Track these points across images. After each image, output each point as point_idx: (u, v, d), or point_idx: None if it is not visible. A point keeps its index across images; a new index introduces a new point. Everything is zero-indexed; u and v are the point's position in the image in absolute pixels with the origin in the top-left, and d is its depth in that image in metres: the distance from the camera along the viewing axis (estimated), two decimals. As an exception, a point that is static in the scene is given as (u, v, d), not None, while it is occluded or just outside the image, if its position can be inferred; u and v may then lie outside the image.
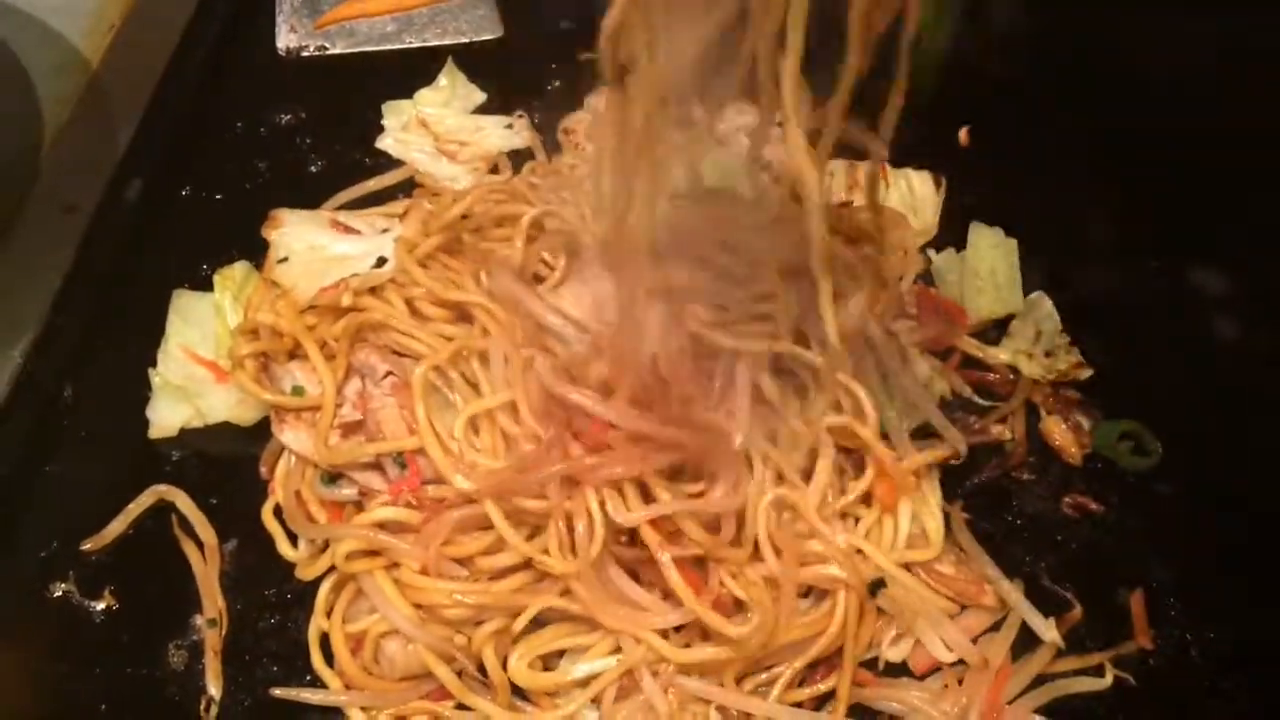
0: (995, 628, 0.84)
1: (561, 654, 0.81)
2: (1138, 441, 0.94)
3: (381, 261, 0.94)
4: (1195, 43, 1.18)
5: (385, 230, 0.97)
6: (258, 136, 1.12)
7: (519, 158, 1.10)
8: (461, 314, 0.92)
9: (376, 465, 0.87)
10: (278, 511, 0.87)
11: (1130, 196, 1.08)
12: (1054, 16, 1.21)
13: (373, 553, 0.81)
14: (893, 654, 0.82)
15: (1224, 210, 1.07)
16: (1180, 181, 1.08)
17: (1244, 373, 0.98)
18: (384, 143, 1.11)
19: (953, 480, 0.92)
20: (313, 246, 0.96)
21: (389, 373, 0.88)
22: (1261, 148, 1.11)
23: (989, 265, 1.02)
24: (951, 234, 1.06)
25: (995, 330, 1.01)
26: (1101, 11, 1.21)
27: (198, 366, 0.94)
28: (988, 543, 0.88)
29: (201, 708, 0.79)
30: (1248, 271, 1.05)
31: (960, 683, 0.81)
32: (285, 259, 0.96)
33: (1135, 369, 0.99)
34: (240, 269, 0.98)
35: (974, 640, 0.84)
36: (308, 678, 0.81)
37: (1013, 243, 1.04)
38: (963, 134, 1.15)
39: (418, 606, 0.79)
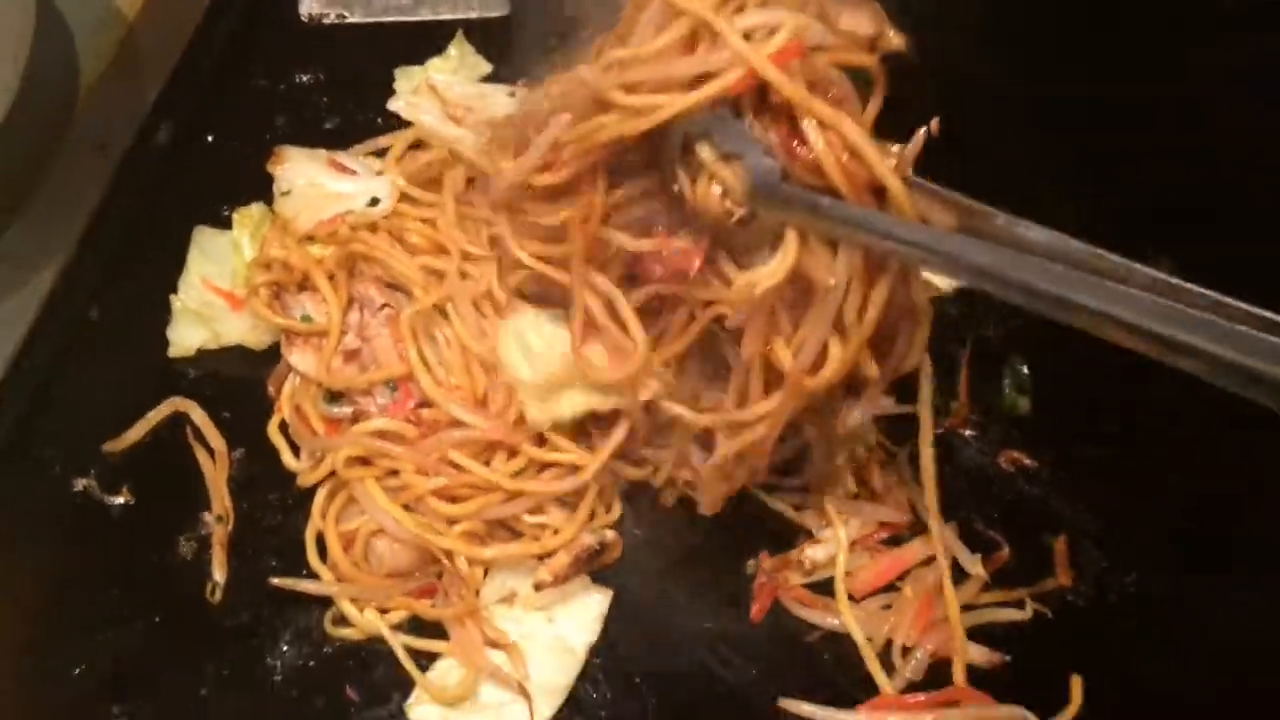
0: (927, 563, 0.93)
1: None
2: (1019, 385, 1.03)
3: (374, 201, 1.03)
4: (1157, 56, 1.28)
5: (379, 173, 1.07)
6: (278, 93, 1.20)
7: (520, 124, 1.18)
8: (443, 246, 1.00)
9: (370, 390, 0.96)
10: (283, 427, 0.96)
11: (1089, 194, 1.17)
12: (1023, 20, 1.31)
13: (365, 462, 0.90)
14: (817, 554, 0.91)
15: (1175, 206, 1.16)
16: (1136, 179, 1.18)
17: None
18: (395, 105, 1.18)
19: (900, 434, 1.00)
20: (313, 183, 1.05)
21: (385, 304, 0.97)
22: (1216, 153, 1.20)
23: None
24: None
25: (951, 304, 1.09)
26: (1069, 19, 1.31)
27: (215, 295, 1.02)
28: (928, 490, 0.97)
29: (207, 591, 0.88)
30: (1195, 264, 1.13)
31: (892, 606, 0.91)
32: (288, 192, 1.05)
33: (1076, 343, 1.07)
34: (257, 209, 1.07)
35: (904, 575, 0.93)
36: (304, 571, 0.90)
37: (973, 230, 1.13)
38: (934, 124, 1.22)
39: (407, 508, 0.88)
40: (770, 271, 0.77)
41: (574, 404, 0.89)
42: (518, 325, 0.91)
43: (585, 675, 0.88)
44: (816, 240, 0.76)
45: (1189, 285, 0.66)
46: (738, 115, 0.75)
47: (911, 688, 0.87)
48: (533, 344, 0.90)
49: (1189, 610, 0.93)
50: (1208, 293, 0.65)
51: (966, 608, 0.91)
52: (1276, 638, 0.91)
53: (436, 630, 0.88)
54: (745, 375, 0.82)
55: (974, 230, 0.73)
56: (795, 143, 0.74)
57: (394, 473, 0.90)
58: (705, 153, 0.76)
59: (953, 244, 0.71)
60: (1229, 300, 0.64)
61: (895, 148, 0.75)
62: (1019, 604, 0.92)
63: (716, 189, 0.77)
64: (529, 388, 0.90)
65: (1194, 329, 0.63)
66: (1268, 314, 0.63)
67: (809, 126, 0.73)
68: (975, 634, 0.89)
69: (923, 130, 0.77)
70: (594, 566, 0.91)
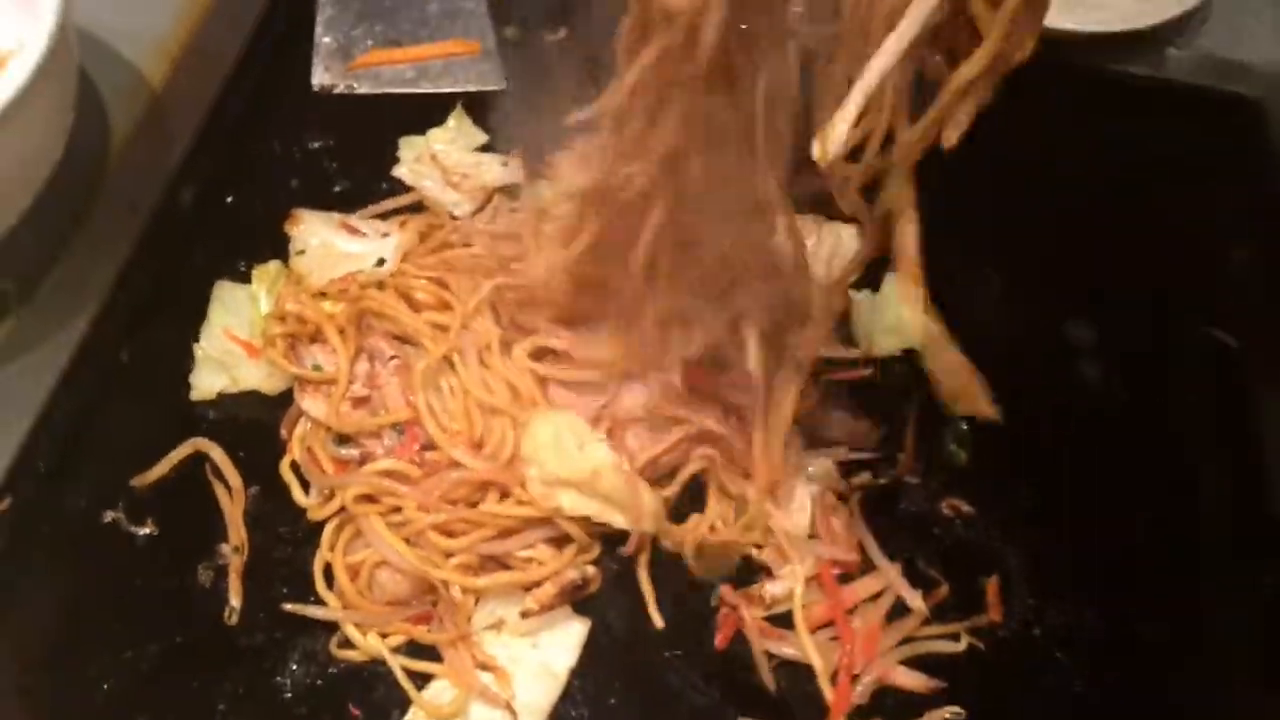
0: (874, 598, 1.04)
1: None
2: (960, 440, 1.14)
3: (381, 261, 1.15)
4: (1086, 140, 1.42)
5: (385, 235, 1.18)
6: (292, 158, 1.31)
7: (510, 191, 1.29)
8: (445, 303, 1.12)
9: (377, 434, 1.06)
10: (294, 466, 1.05)
11: (1024, 260, 1.29)
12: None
13: (372, 499, 1.00)
14: (776, 589, 1.01)
15: (1100, 276, 1.29)
16: (1067, 250, 1.31)
17: (1099, 407, 1.19)
18: (399, 171, 1.30)
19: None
20: (325, 243, 1.16)
21: (394, 356, 1.07)
22: (1135, 228, 1.34)
23: (896, 307, 1.22)
24: (868, 280, 1.25)
25: (900, 364, 1.21)
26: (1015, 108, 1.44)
27: (234, 344, 1.12)
28: (875, 534, 1.06)
29: (225, 615, 0.97)
30: (1112, 326, 1.26)
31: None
32: (302, 251, 1.16)
33: (1011, 404, 1.19)
34: (274, 266, 1.17)
35: (853, 609, 1.03)
36: (312, 599, 0.99)
37: (920, 290, 1.24)
38: (888, 198, 1.34)
39: (408, 541, 0.98)
40: None
41: (575, 504, 0.99)
42: (558, 421, 1.01)
43: (566, 696, 0.96)
44: None
45: None
46: None
47: (857, 711, 0.97)
48: (566, 442, 0.99)
49: (1109, 645, 1.03)
50: None
51: (907, 639, 1.01)
52: (1191, 677, 1.02)
53: (432, 653, 0.97)
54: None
55: None
56: None
57: (397, 509, 1.00)
58: None
59: None
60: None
61: None
62: (955, 637, 1.01)
63: None
64: (541, 472, 1.00)
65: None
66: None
67: None
68: (914, 662, 0.99)
69: None
70: (576, 598, 1.01)
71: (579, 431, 1.01)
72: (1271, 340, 1.24)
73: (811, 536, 1.06)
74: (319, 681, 0.95)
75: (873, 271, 1.23)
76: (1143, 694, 1.01)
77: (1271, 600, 1.07)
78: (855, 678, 0.98)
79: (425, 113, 1.36)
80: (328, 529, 1.01)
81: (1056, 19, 1.42)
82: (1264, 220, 1.38)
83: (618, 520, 1.00)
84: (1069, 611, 1.04)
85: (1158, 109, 1.49)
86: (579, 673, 0.98)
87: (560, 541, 1.02)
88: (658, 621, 1.01)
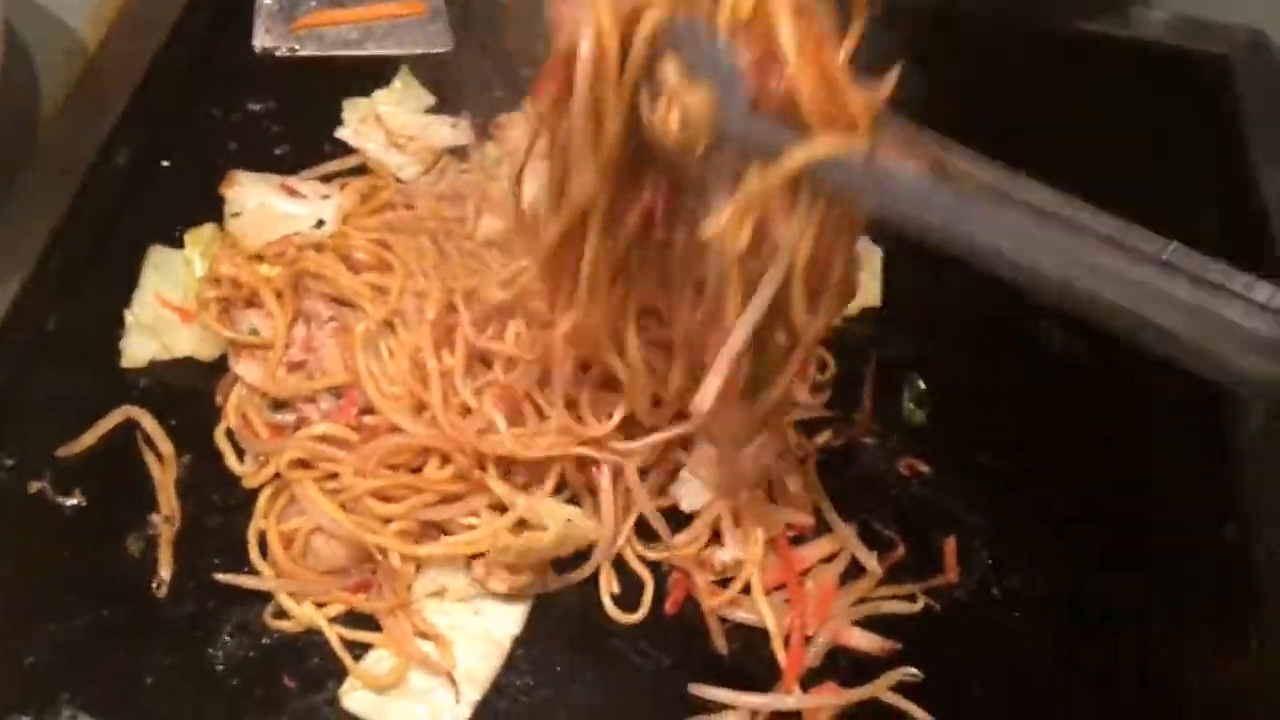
0: (829, 560, 1.01)
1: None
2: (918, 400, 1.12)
3: (320, 223, 1.11)
4: (1054, 98, 1.40)
5: (325, 197, 1.15)
6: (231, 122, 1.27)
7: (459, 152, 1.26)
8: (386, 264, 1.09)
9: (314, 399, 1.03)
10: (229, 433, 1.02)
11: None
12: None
13: (307, 465, 0.97)
14: (725, 556, 0.99)
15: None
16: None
17: (1059, 366, 1.17)
18: (342, 133, 1.26)
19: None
20: (263, 205, 1.13)
21: (331, 318, 1.04)
22: (1100, 187, 1.31)
23: (854, 265, 1.19)
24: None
25: (857, 324, 1.18)
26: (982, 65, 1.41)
27: (167, 310, 1.08)
28: (832, 494, 1.04)
29: (154, 586, 0.94)
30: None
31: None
32: (238, 214, 1.12)
33: (970, 363, 1.17)
34: (208, 230, 1.13)
35: (806, 571, 1.01)
36: (245, 569, 0.95)
37: (878, 250, 1.22)
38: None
39: (344, 508, 0.95)
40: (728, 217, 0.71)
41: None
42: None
43: (509, 665, 0.93)
44: None
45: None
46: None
47: (810, 673, 0.95)
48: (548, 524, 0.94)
49: (1067, 606, 1.01)
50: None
51: (862, 600, 0.98)
52: (1149, 637, 1.00)
53: (371, 623, 0.94)
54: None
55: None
56: (768, 71, 0.67)
57: (334, 475, 0.96)
58: (671, 70, 0.68)
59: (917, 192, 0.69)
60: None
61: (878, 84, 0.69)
62: (910, 597, 0.99)
63: (677, 116, 0.69)
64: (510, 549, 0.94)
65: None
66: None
67: (790, 50, 0.66)
68: (869, 624, 0.97)
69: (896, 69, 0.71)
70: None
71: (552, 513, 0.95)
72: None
73: (767, 499, 1.03)
74: (252, 653, 0.92)
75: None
76: (1101, 654, 0.99)
77: (1230, 559, 1.05)
78: (808, 640, 0.96)
79: (370, 74, 1.32)
80: (263, 496, 0.98)
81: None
82: (1231, 180, 1.37)
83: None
84: (1027, 572, 1.03)
85: (1127, 68, 1.48)
86: (523, 640, 0.95)
87: (504, 507, 0.98)
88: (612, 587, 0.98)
